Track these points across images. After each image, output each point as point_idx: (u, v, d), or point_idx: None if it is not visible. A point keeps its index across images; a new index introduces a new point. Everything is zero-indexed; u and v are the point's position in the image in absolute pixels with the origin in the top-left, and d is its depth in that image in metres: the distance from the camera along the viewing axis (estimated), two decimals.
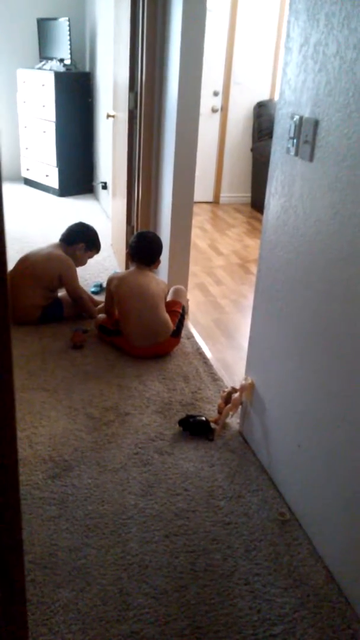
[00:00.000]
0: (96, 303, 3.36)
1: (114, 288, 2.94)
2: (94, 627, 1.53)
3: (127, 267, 3.62)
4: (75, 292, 3.23)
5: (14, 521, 0.71)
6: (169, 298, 3.13)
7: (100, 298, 3.56)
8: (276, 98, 6.09)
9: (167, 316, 2.91)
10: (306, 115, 1.71)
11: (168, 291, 3.16)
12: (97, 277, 3.91)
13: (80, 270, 3.92)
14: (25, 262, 3.18)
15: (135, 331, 2.87)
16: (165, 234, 3.37)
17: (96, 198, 6.03)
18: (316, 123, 1.66)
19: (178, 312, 3.02)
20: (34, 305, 3.14)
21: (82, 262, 3.37)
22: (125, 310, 2.90)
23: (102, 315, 3.12)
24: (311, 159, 1.70)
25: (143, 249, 2.97)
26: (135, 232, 3.70)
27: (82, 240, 3.29)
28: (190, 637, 1.52)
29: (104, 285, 3.72)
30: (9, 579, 0.74)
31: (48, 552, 1.74)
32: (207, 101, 5.91)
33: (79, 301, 3.25)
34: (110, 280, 3.00)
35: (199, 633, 1.53)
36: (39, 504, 1.92)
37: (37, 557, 1.72)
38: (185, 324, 3.10)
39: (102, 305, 3.29)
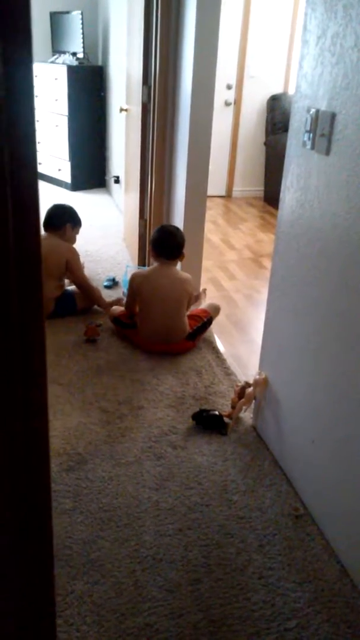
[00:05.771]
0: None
1: (136, 285, 2.88)
2: (108, 619, 1.54)
3: (148, 264, 3.62)
4: (82, 278, 3.27)
5: (45, 518, 0.71)
6: (202, 307, 3.14)
7: (113, 292, 3.58)
8: (290, 91, 6.05)
9: (185, 321, 2.89)
10: (323, 108, 1.69)
11: (195, 297, 3.14)
12: (110, 271, 3.92)
13: (93, 265, 3.95)
14: None
15: (151, 329, 2.86)
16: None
17: (109, 192, 6.03)
18: (333, 116, 1.64)
19: (202, 318, 2.99)
20: (47, 298, 3.16)
21: (72, 241, 3.40)
22: (145, 309, 2.88)
23: (117, 308, 3.12)
24: (327, 152, 1.69)
25: (167, 242, 2.87)
26: (147, 227, 3.71)
27: (67, 220, 3.34)
28: (204, 631, 1.52)
29: (117, 279, 3.75)
30: (40, 570, 0.75)
31: (63, 545, 1.75)
32: (221, 94, 5.88)
33: (86, 288, 3.27)
34: (133, 277, 2.93)
35: (212, 626, 1.54)
36: (53, 497, 1.93)
37: None
38: (206, 334, 3.07)
39: (114, 299, 3.33)
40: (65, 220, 3.33)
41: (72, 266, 3.23)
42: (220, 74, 5.24)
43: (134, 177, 3.90)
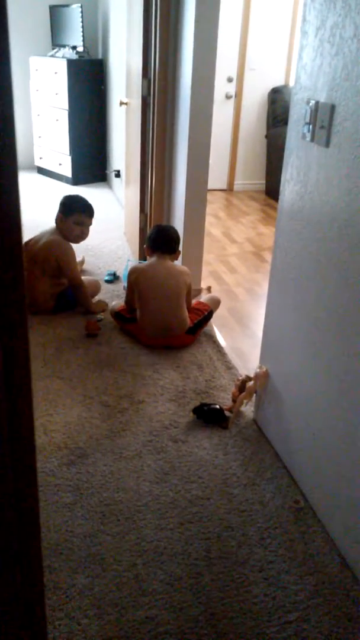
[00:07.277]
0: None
1: (134, 280, 2.88)
2: (109, 612, 1.54)
3: (145, 259, 3.61)
4: (74, 279, 3.15)
5: (32, 508, 0.71)
6: (202, 300, 3.13)
7: (114, 287, 3.57)
8: (291, 84, 6.02)
9: (185, 314, 2.89)
10: (322, 100, 1.68)
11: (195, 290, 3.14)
12: (111, 265, 3.91)
13: (93, 259, 3.94)
14: (29, 251, 3.13)
15: (150, 324, 2.86)
16: (179, 222, 3.35)
17: (109, 186, 6.02)
18: (332, 108, 1.63)
19: (203, 312, 3.00)
20: (44, 294, 3.13)
21: (71, 235, 3.20)
22: (143, 303, 2.87)
23: (118, 303, 3.12)
24: (327, 144, 1.67)
25: (162, 237, 2.93)
26: (148, 221, 3.70)
27: (59, 211, 3.23)
28: (204, 624, 1.53)
29: (118, 273, 3.74)
30: (28, 565, 0.75)
31: (63, 539, 1.76)
32: (221, 87, 5.85)
33: (77, 289, 3.15)
34: (131, 272, 2.93)
35: (213, 620, 1.54)
36: (54, 491, 1.94)
37: (53, 544, 1.74)
38: (206, 328, 3.06)
39: (100, 300, 3.29)
40: (58, 210, 3.24)
41: (62, 264, 3.11)
42: (221, 66, 5.22)
43: (134, 171, 3.89)
